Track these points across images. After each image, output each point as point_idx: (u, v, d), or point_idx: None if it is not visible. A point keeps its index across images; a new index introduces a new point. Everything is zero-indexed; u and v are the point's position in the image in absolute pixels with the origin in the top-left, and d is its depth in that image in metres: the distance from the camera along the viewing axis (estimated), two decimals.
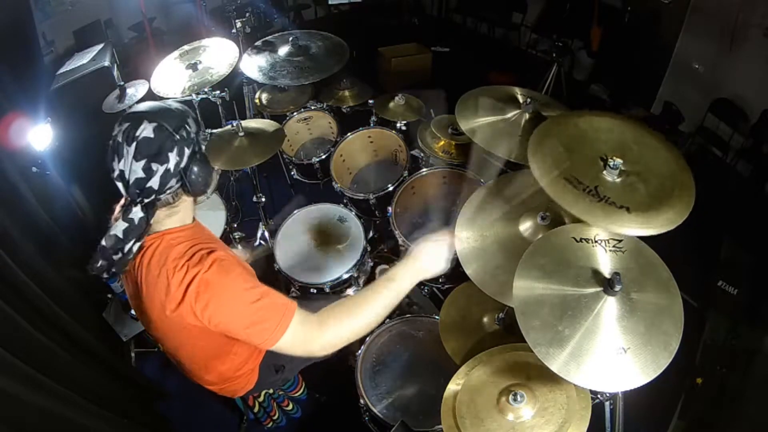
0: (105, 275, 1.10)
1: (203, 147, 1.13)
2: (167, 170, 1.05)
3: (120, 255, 1.07)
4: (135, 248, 1.08)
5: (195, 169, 1.09)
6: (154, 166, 1.04)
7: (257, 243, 2.38)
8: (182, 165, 1.07)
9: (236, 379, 1.43)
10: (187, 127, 1.08)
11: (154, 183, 1.05)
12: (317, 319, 1.10)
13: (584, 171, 1.17)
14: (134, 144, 1.02)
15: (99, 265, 1.07)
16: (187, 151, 1.08)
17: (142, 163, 1.03)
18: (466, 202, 1.51)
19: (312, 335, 1.08)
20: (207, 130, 2.31)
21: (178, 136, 1.05)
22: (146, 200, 1.07)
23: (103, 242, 1.06)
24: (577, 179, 1.14)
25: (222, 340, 1.25)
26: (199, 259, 1.06)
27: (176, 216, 1.14)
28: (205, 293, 1.04)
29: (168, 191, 1.08)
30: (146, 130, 1.03)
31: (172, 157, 1.05)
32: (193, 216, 1.22)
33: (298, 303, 1.11)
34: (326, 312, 1.12)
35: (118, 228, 1.06)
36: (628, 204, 1.09)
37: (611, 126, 1.27)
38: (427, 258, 1.20)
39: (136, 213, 1.06)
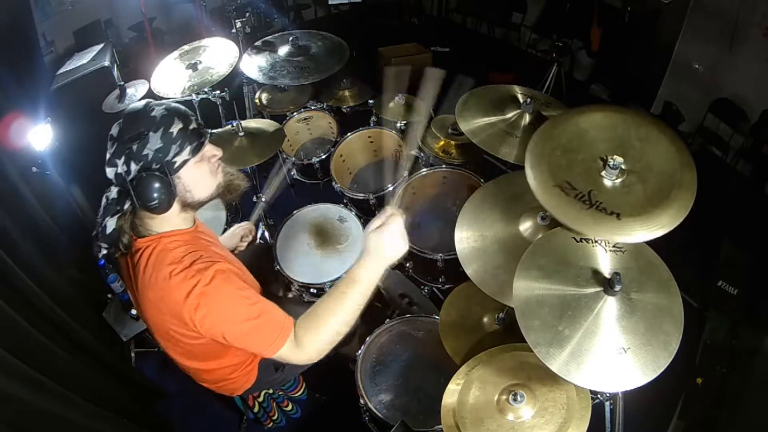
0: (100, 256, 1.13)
1: (168, 169, 1.06)
2: (117, 173, 1.06)
3: (98, 232, 1.09)
4: (108, 225, 1.08)
5: (146, 186, 1.04)
6: (109, 164, 1.06)
7: (258, 242, 2.38)
8: (131, 176, 1.05)
9: (235, 378, 1.43)
10: (147, 142, 1.03)
11: (111, 176, 1.08)
12: (295, 338, 1.11)
13: (581, 174, 1.16)
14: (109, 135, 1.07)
15: (95, 248, 1.11)
16: (134, 166, 1.04)
17: (107, 154, 1.07)
18: (466, 202, 1.51)
19: (297, 354, 1.11)
20: (207, 130, 2.30)
21: (129, 147, 1.03)
22: (117, 187, 1.10)
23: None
24: (570, 185, 1.14)
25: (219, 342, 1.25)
26: (199, 270, 1.06)
27: (168, 221, 1.13)
28: (205, 306, 1.04)
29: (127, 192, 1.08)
30: (114, 129, 1.06)
31: (120, 164, 1.05)
32: (193, 219, 1.21)
33: (291, 312, 1.12)
34: (301, 328, 1.11)
35: (102, 205, 1.11)
36: (620, 210, 1.08)
37: (614, 122, 1.25)
38: (384, 248, 1.11)
39: (111, 193, 1.10)
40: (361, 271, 1.11)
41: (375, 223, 1.13)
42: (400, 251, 1.12)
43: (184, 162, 1.09)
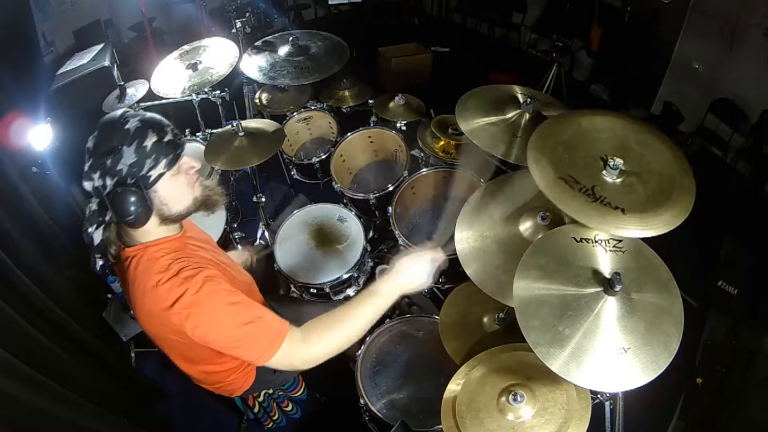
0: (98, 269, 1.14)
1: (143, 184, 1.05)
2: (94, 187, 1.05)
3: (88, 243, 1.10)
4: (95, 237, 1.09)
5: (121, 201, 1.03)
6: (86, 177, 1.05)
7: (257, 242, 2.38)
8: (107, 191, 1.04)
9: (233, 380, 1.43)
10: (120, 157, 1.02)
11: (89, 189, 1.07)
12: (301, 336, 1.11)
13: (583, 170, 1.17)
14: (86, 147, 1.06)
15: (92, 259, 1.12)
16: (109, 181, 1.03)
17: (85, 167, 1.06)
18: (466, 202, 1.51)
19: (298, 353, 1.09)
20: (207, 130, 2.31)
21: (103, 162, 1.02)
22: (96, 199, 1.10)
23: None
24: (574, 178, 1.14)
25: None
26: (186, 278, 1.05)
27: (152, 231, 1.12)
28: (195, 316, 1.03)
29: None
30: (90, 141, 1.05)
31: (96, 178, 1.04)
32: (179, 226, 1.20)
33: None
34: (310, 327, 1.12)
35: (86, 214, 1.11)
36: (624, 205, 1.09)
37: (614, 125, 1.26)
38: (410, 273, 1.20)
39: (93, 204, 1.10)
40: (383, 285, 1.18)
41: (422, 251, 1.22)
42: (421, 283, 1.21)
43: (160, 176, 1.07)
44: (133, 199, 1.03)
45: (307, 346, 1.10)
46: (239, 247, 2.05)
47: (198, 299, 1.03)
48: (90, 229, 1.10)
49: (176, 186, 1.11)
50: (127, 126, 1.03)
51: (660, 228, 1.05)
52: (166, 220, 1.13)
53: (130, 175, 1.03)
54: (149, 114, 1.09)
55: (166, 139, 1.07)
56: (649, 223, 1.06)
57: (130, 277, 1.10)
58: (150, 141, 1.04)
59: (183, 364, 1.32)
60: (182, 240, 1.18)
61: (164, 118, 1.11)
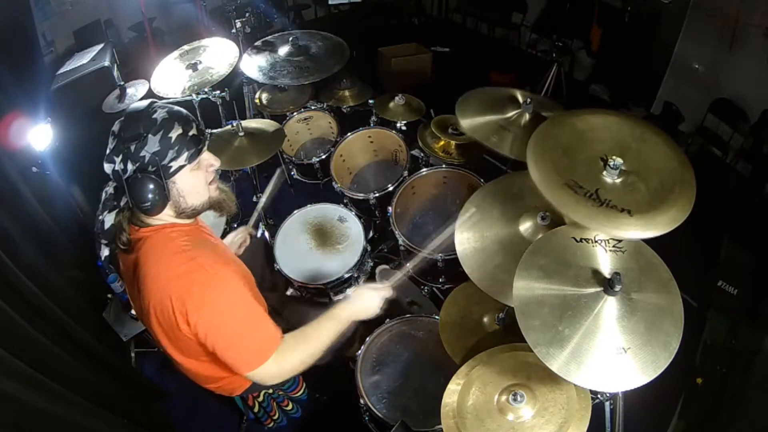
0: (103, 261, 1.16)
1: (163, 173, 1.07)
2: (114, 170, 1.08)
3: (97, 227, 1.12)
4: (106, 221, 1.11)
5: (140, 187, 1.05)
6: (108, 159, 1.08)
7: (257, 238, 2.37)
8: (126, 175, 1.06)
9: (231, 377, 1.42)
10: (144, 144, 1.04)
11: (108, 171, 1.09)
12: (283, 348, 1.15)
13: (584, 173, 1.17)
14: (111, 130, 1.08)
15: (97, 245, 1.14)
16: (130, 166, 1.06)
17: (107, 149, 1.08)
18: (466, 203, 1.51)
19: (277, 365, 1.13)
20: (207, 131, 2.31)
21: (127, 147, 1.05)
22: (113, 183, 1.12)
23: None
24: (577, 184, 1.14)
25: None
26: (201, 264, 1.07)
27: (166, 219, 1.15)
28: (202, 309, 1.05)
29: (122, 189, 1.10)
30: (116, 125, 1.08)
31: (118, 162, 1.06)
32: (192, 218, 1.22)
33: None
34: (286, 342, 1.17)
35: (101, 199, 1.14)
36: (630, 206, 1.09)
37: (609, 124, 1.26)
38: (364, 303, 1.32)
39: (110, 188, 1.13)
40: (343, 311, 1.28)
41: (372, 285, 1.38)
42: (369, 314, 1.34)
43: (180, 167, 1.09)
44: (151, 186, 1.05)
45: (284, 359, 1.14)
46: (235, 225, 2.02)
47: (208, 285, 1.05)
48: (101, 216, 1.12)
49: (195, 181, 1.14)
50: (154, 115, 1.06)
51: (667, 225, 1.05)
52: (181, 213, 1.15)
53: (152, 163, 1.05)
54: (176, 107, 1.12)
55: (191, 133, 1.09)
56: (655, 221, 1.06)
57: (143, 258, 1.11)
58: (175, 133, 1.07)
59: (185, 359, 1.31)
60: (196, 227, 1.22)
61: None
